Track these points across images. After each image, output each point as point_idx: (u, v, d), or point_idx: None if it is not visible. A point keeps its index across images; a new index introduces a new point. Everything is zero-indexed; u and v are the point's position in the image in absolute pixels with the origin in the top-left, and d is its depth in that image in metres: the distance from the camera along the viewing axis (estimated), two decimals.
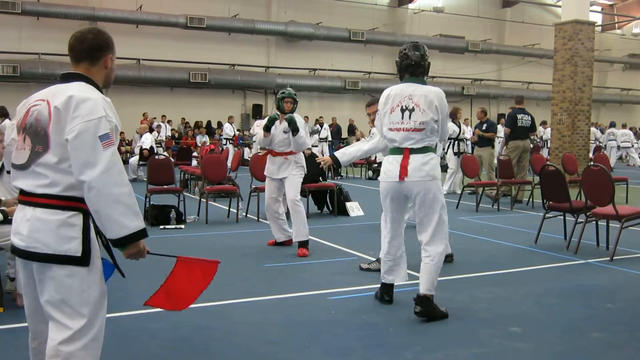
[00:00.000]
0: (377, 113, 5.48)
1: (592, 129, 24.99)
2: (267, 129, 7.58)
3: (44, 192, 2.68)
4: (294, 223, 7.42)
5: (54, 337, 2.71)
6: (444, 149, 13.85)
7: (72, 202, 2.69)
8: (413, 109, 4.97)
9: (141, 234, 2.73)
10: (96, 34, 2.92)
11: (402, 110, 4.99)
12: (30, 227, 2.69)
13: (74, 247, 2.69)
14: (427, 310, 4.86)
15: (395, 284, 5.36)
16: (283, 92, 7.77)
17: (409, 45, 5.20)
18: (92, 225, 2.76)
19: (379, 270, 5.65)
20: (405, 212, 5.46)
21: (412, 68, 5.13)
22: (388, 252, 5.31)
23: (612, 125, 25.83)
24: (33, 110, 2.77)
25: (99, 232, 2.81)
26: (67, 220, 2.69)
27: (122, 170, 2.69)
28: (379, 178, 5.34)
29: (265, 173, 7.86)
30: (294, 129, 7.42)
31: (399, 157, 4.98)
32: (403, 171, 4.93)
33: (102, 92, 2.84)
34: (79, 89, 2.72)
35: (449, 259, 6.67)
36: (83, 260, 2.70)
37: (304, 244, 7.40)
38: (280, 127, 7.61)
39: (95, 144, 2.61)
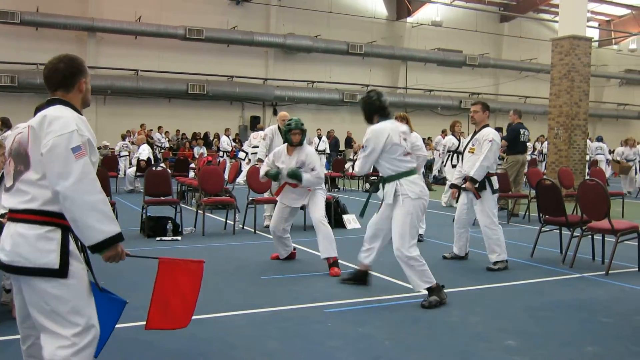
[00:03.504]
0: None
1: (596, 143, 24.99)
2: (274, 179, 7.58)
3: (24, 207, 2.85)
4: (322, 242, 7.09)
5: (49, 347, 2.84)
6: (442, 162, 13.87)
7: (50, 218, 2.84)
8: (405, 139, 6.01)
9: (118, 238, 2.87)
10: (67, 62, 3.07)
11: (405, 140, 6.00)
12: (12, 242, 2.85)
13: (52, 260, 2.81)
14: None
15: None
16: (289, 125, 7.44)
17: (375, 93, 6.17)
18: (72, 239, 2.92)
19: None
20: None
21: (384, 110, 6.09)
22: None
23: (600, 139, 25.83)
24: (17, 137, 3.00)
25: (82, 250, 3.03)
26: (45, 235, 2.83)
27: (95, 179, 2.83)
28: (412, 196, 5.83)
29: (279, 199, 7.60)
30: (298, 180, 7.20)
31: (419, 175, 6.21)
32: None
33: (80, 113, 3.03)
34: (53, 110, 2.93)
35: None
36: (61, 272, 2.82)
37: (335, 264, 7.04)
38: (292, 161, 7.33)
39: (67, 156, 2.77)
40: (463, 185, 7.66)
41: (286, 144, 7.56)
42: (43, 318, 2.83)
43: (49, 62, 3.10)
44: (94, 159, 2.92)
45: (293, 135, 7.39)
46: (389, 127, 5.90)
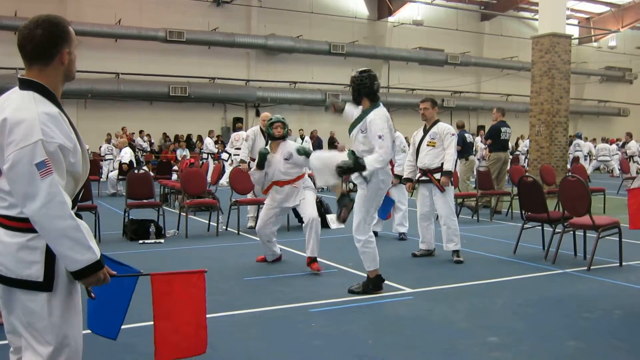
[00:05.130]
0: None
1: (583, 141, 25.22)
2: (260, 166, 7.35)
3: (4, 213, 2.53)
4: (311, 240, 7.06)
5: None
6: None
7: (32, 224, 2.46)
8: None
9: (95, 267, 2.51)
10: (46, 27, 2.56)
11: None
12: None
13: (35, 272, 2.51)
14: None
15: None
16: (270, 119, 7.54)
17: (368, 75, 6.12)
18: None
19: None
20: None
21: (374, 95, 6.06)
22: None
23: (579, 136, 26.01)
24: None
25: None
26: (27, 244, 2.50)
27: (63, 201, 2.42)
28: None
29: (268, 198, 7.54)
30: (307, 154, 7.17)
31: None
32: None
33: (56, 100, 2.56)
34: (15, 107, 2.46)
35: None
36: (46, 285, 2.53)
37: (315, 260, 7.11)
38: (277, 156, 7.33)
39: (32, 174, 2.37)
40: (422, 178, 7.92)
41: (269, 142, 7.57)
42: (22, 330, 2.59)
43: (23, 26, 2.59)
44: (73, 159, 2.52)
45: (275, 129, 7.38)
46: (387, 114, 6.00)
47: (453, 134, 7.82)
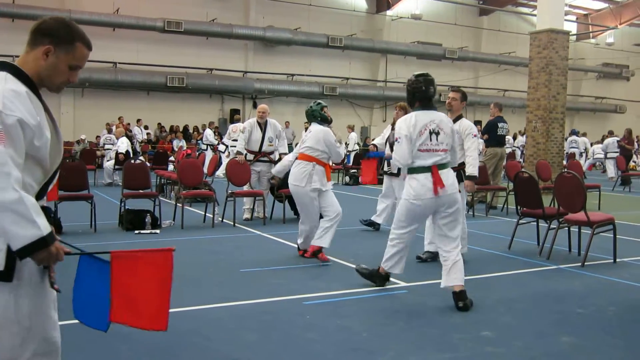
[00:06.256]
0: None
1: (582, 138, 25.30)
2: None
3: None
4: (331, 230, 7.16)
5: None
6: None
7: None
8: (439, 132, 5.58)
9: (41, 243, 2.27)
10: (55, 21, 2.50)
11: (430, 134, 5.56)
12: None
13: None
14: (468, 300, 5.42)
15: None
16: (320, 103, 7.53)
17: (424, 79, 5.75)
18: None
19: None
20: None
21: (428, 100, 5.72)
22: (401, 239, 5.83)
23: (574, 133, 26.07)
24: None
25: None
26: None
27: (8, 173, 2.21)
28: (407, 198, 5.66)
29: (312, 194, 7.26)
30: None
31: (429, 175, 5.51)
32: (437, 186, 5.48)
33: (31, 84, 2.43)
34: None
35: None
36: (6, 274, 2.31)
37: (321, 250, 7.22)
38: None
39: None
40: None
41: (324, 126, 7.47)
42: None
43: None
44: (38, 142, 2.34)
45: (327, 113, 7.50)
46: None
47: (475, 135, 7.22)
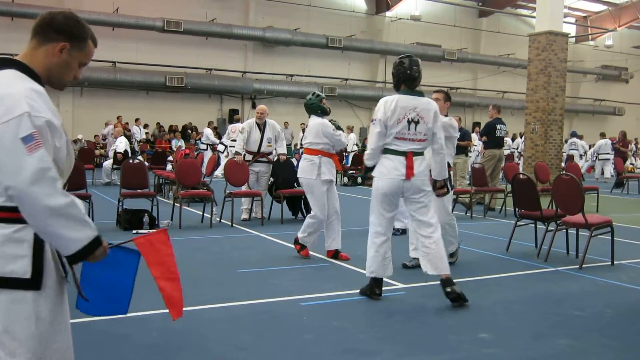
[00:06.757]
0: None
1: (579, 140, 25.37)
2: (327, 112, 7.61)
3: None
4: (336, 232, 7.42)
5: None
6: None
7: (19, 214, 2.16)
8: (418, 122, 5.51)
9: (97, 242, 2.23)
10: (67, 17, 2.39)
11: (409, 122, 5.50)
12: None
13: (21, 268, 2.19)
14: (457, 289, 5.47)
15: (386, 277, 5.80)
16: (319, 95, 7.65)
17: (407, 60, 5.64)
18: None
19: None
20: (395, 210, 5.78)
21: (412, 82, 5.61)
22: (381, 247, 5.65)
23: (574, 135, 26.10)
24: None
25: None
26: (13, 236, 2.19)
27: (55, 177, 2.14)
28: (377, 176, 5.62)
29: (321, 187, 7.38)
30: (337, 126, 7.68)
31: (402, 159, 5.49)
32: (409, 171, 5.46)
33: (41, 82, 2.33)
34: None
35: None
36: (33, 283, 2.21)
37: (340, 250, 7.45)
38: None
39: (16, 149, 2.09)
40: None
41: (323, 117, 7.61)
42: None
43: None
44: (58, 143, 2.26)
45: (326, 104, 7.61)
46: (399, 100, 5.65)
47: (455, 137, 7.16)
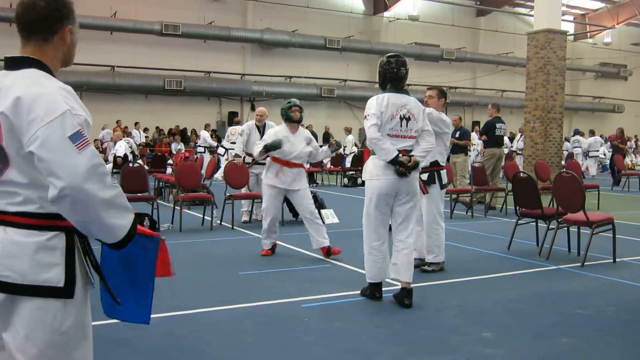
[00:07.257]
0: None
1: (583, 138, 25.48)
2: (267, 150, 7.53)
3: (16, 210, 2.14)
4: (318, 232, 7.48)
5: None
6: None
7: (52, 221, 2.13)
8: (409, 119, 5.54)
9: (135, 221, 2.23)
10: (49, 2, 2.25)
11: (401, 119, 5.51)
12: (1, 251, 2.12)
13: (55, 276, 2.12)
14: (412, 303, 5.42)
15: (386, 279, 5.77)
16: (289, 102, 7.82)
17: (395, 60, 5.68)
18: (77, 246, 2.22)
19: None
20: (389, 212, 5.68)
21: (399, 82, 5.66)
22: (379, 251, 5.61)
23: (577, 132, 26.11)
24: None
25: (87, 252, 2.28)
26: (47, 243, 2.13)
27: (106, 172, 2.12)
28: (369, 178, 5.59)
29: (273, 184, 7.60)
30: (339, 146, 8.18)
31: None
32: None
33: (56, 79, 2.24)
34: (25, 84, 2.11)
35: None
36: (66, 291, 2.15)
37: (329, 246, 7.54)
38: (299, 138, 7.67)
39: (66, 149, 2.02)
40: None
41: (284, 124, 7.79)
42: (13, 349, 2.15)
43: None
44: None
45: (294, 112, 7.69)
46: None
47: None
